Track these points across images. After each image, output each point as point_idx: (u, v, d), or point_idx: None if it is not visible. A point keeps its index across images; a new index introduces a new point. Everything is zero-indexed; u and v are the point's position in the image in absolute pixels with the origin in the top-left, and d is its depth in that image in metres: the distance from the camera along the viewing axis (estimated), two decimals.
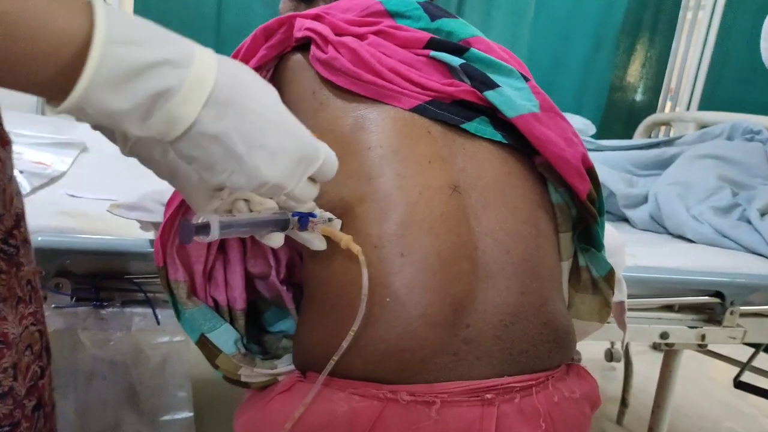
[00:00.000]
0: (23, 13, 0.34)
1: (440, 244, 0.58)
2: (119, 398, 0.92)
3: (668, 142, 1.70)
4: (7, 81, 0.36)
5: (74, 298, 0.88)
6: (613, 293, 0.73)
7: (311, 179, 0.51)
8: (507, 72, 0.68)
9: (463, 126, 0.65)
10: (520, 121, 0.64)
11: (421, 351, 0.56)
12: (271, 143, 0.44)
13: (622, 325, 0.92)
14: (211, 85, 0.40)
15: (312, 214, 0.57)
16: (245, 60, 0.70)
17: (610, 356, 2.30)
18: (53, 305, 0.87)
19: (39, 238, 0.84)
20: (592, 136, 1.89)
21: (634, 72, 2.44)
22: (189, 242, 0.49)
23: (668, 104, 2.47)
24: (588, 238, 0.71)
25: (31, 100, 1.99)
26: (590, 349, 2.37)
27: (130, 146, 0.55)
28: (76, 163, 1.37)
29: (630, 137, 2.25)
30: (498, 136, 0.65)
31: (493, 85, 0.65)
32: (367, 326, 0.57)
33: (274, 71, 0.73)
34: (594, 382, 0.69)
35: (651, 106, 2.47)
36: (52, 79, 0.36)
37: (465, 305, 0.57)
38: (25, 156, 1.25)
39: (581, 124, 1.80)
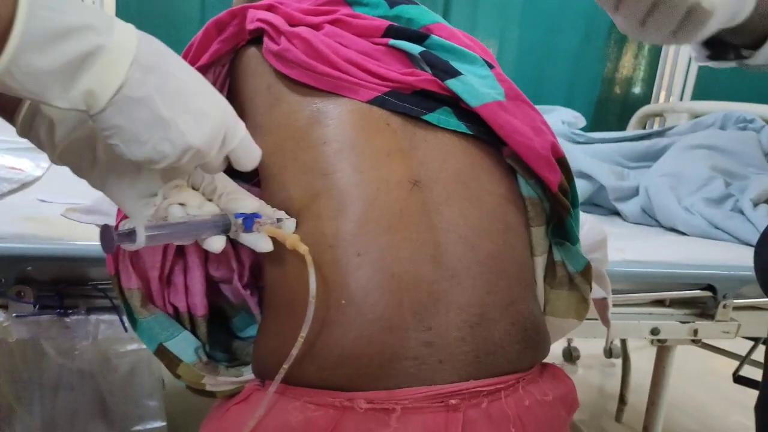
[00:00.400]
0: None
1: (399, 242, 0.55)
2: (88, 409, 0.89)
3: (660, 133, 1.66)
4: None
5: (37, 306, 0.85)
6: (591, 289, 0.70)
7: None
8: (470, 59, 0.65)
9: (425, 117, 0.62)
10: (485, 109, 0.61)
11: (378, 356, 0.53)
12: (194, 107, 0.45)
13: (605, 322, 0.88)
14: (134, 50, 0.42)
15: (256, 215, 0.53)
16: (197, 55, 0.67)
17: (609, 352, 2.27)
18: (15, 314, 0.84)
19: None
20: (584, 129, 1.85)
21: (627, 64, 2.41)
22: (112, 252, 0.46)
23: (662, 95, 2.44)
24: (562, 231, 0.68)
25: None
26: (590, 345, 2.35)
27: (59, 152, 0.53)
28: (53, 167, 1.34)
29: (624, 129, 2.22)
30: (462, 127, 0.62)
31: (455, 73, 0.62)
32: (322, 331, 0.54)
33: (230, 66, 0.70)
34: (571, 383, 0.65)
35: (645, 98, 2.44)
36: None
37: (426, 306, 0.54)
38: None
39: (571, 117, 1.76)
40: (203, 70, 0.67)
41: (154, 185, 0.54)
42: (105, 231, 0.45)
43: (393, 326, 0.53)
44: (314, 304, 0.52)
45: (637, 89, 2.43)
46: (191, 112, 0.45)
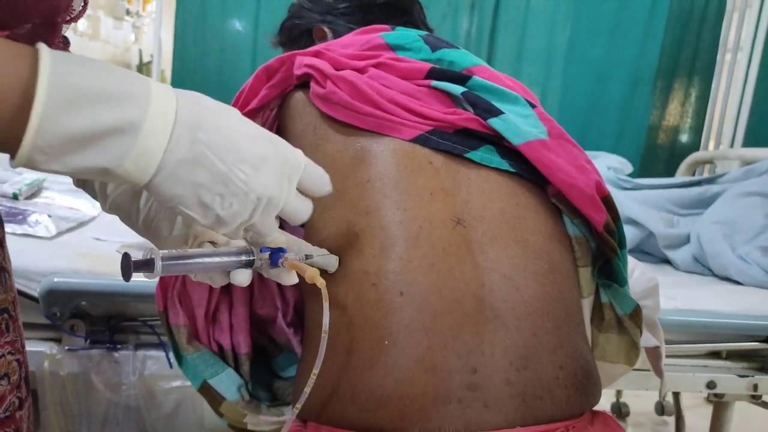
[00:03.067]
0: None
1: (442, 282, 0.55)
2: None
3: (710, 180, 1.62)
4: None
5: (88, 341, 0.88)
6: (641, 333, 0.67)
7: (301, 193, 0.49)
8: (512, 99, 0.65)
9: (468, 155, 0.62)
10: (527, 148, 0.61)
11: (421, 399, 0.51)
12: (249, 154, 0.43)
13: (658, 372, 0.84)
14: (174, 111, 0.40)
15: (283, 250, 0.53)
16: (248, 100, 0.70)
17: (661, 409, 2.16)
18: (67, 348, 0.87)
19: (55, 279, 0.85)
20: (631, 175, 1.83)
21: (674, 111, 2.39)
22: (128, 279, 0.46)
23: (711, 143, 2.39)
24: (609, 272, 0.66)
25: None
26: (641, 400, 2.23)
27: (109, 203, 0.58)
28: None
29: (672, 177, 2.18)
30: (505, 165, 0.62)
31: (496, 112, 0.62)
32: (363, 371, 0.53)
33: (278, 110, 0.72)
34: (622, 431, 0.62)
35: (693, 145, 2.40)
36: (9, 128, 0.36)
37: (470, 348, 0.53)
38: (56, 201, 1.29)
39: (617, 163, 1.74)
40: (253, 113, 0.70)
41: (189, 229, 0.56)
42: (124, 259, 0.45)
43: (437, 368, 0.52)
44: (326, 339, 0.51)
45: (684, 137, 2.40)
46: (248, 159, 0.43)
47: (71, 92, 0.36)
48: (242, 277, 0.53)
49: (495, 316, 0.55)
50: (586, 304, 0.66)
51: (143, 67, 4.49)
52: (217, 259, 0.51)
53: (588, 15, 2.36)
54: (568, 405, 0.56)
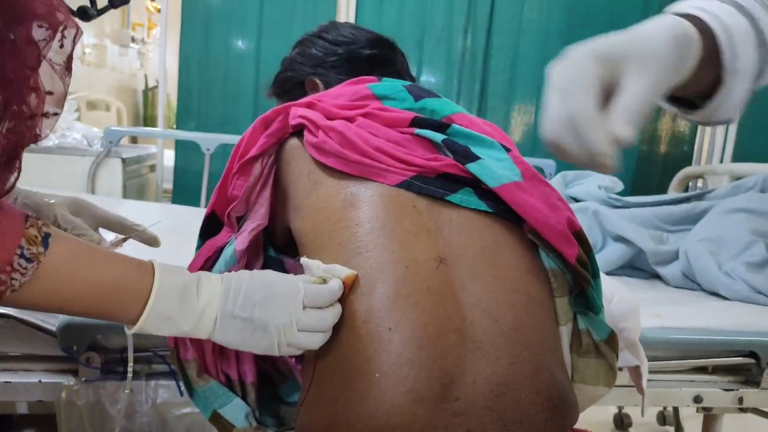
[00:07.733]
0: (120, 288, 0.57)
1: (427, 318, 0.60)
2: None
3: (699, 197, 1.67)
4: (104, 318, 0.60)
5: (103, 372, 0.93)
6: (617, 357, 0.72)
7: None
8: (488, 144, 0.71)
9: (448, 198, 0.67)
10: (503, 190, 0.66)
11: (410, 427, 0.56)
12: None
13: (640, 390, 0.89)
14: (219, 293, 0.61)
15: None
16: (247, 149, 0.76)
17: (662, 420, 2.19)
18: (84, 379, 0.92)
19: None
20: (623, 193, 1.87)
21: (665, 126, 2.43)
22: None
23: (704, 157, 2.43)
24: (585, 301, 0.71)
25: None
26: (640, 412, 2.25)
27: None
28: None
29: (665, 192, 2.22)
30: (483, 206, 0.67)
31: (474, 158, 0.68)
32: (357, 403, 0.58)
33: (276, 156, 0.78)
34: None
35: (685, 160, 2.44)
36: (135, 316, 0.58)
37: (453, 378, 0.58)
38: None
39: (608, 181, 1.79)
40: (252, 160, 0.76)
41: None
42: None
43: (423, 398, 0.57)
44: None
45: (676, 151, 2.44)
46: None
47: (168, 293, 0.57)
48: None
49: (476, 348, 0.59)
50: (565, 332, 0.71)
51: (149, 92, 4.57)
52: None
53: (579, 32, 2.41)
54: (546, 427, 0.60)
